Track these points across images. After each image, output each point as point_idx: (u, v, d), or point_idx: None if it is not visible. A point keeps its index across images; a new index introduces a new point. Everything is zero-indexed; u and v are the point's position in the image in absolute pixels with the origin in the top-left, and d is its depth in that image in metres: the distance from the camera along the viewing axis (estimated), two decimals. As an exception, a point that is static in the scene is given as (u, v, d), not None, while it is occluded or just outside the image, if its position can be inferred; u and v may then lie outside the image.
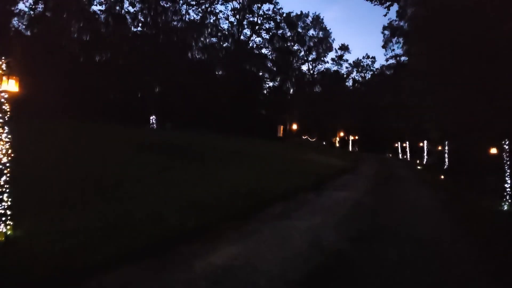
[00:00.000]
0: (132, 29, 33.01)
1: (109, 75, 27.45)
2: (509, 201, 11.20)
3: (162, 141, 16.02)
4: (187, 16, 36.72)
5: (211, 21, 38.43)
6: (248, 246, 4.90)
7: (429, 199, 11.81)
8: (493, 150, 13.24)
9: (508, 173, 11.74)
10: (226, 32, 39.88)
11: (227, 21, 41.91)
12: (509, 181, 11.68)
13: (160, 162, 10.70)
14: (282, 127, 35.68)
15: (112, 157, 10.20)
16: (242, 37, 41.17)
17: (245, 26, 41.16)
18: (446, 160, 22.99)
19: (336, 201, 9.06)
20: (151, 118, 28.36)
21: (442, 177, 19.35)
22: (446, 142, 23.02)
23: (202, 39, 37.48)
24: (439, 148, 26.12)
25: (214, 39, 39.08)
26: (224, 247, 4.70)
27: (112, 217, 5.06)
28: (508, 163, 11.89)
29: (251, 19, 40.94)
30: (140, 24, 33.17)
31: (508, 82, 10.97)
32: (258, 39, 42.45)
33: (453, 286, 4.21)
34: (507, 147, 12.00)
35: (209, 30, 38.05)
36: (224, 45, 40.29)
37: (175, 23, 35.08)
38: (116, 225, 4.74)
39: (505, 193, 11.51)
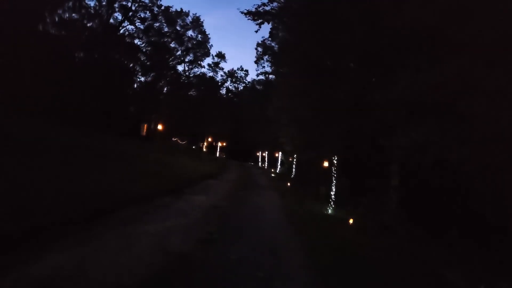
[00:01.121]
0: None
1: None
2: (333, 206, 14.01)
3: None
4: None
5: (73, -8, 32.89)
6: (85, 252, 4.34)
7: (274, 203, 13.38)
8: (325, 164, 16.35)
9: (334, 183, 14.73)
10: (92, 11, 34.89)
11: (94, -2, 36.72)
12: (334, 190, 14.67)
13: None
14: (146, 126, 33.58)
15: None
16: (112, 21, 36.90)
17: (116, 10, 37.09)
18: (294, 170, 26.85)
19: (193, 205, 9.10)
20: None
21: (289, 184, 22.42)
22: (295, 155, 26.93)
23: (60, 12, 31.50)
24: (290, 159, 30.30)
25: (76, 16, 33.47)
26: (53, 255, 4.04)
27: None
28: (334, 175, 14.92)
29: (124, 3, 37.22)
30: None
31: (341, 112, 13.76)
32: (131, 27, 38.98)
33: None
34: (335, 161, 15.06)
35: (71, 3, 32.40)
36: (88, 25, 35.08)
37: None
38: None
39: (331, 199, 14.35)
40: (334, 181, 14.50)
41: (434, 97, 6.98)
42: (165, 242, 5.43)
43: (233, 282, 4.37)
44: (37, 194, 5.99)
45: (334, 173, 14.69)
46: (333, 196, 14.20)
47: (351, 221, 9.91)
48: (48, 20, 32.15)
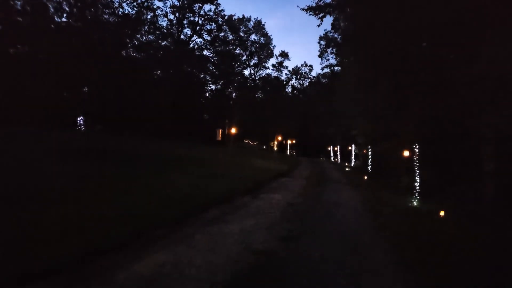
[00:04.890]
0: (56, 19, 29.45)
1: (27, 71, 24.30)
2: (418, 197, 12.92)
3: (89, 147, 14.86)
4: (121, 9, 34.48)
5: (148, 17, 36.79)
6: (178, 251, 4.91)
7: (353, 198, 12.90)
8: (406, 153, 15.14)
9: (417, 173, 13.56)
10: (165, 31, 38.44)
11: (166, 19, 40.35)
12: (418, 180, 13.50)
13: (89, 169, 9.93)
14: (221, 131, 35.63)
15: (31, 166, 9.17)
16: (182, 36, 40.08)
17: (186, 26, 40.11)
18: (370, 162, 25.44)
19: (270, 204, 9.41)
20: (78, 119, 26.55)
21: (366, 177, 21.33)
22: (369, 147, 25.50)
23: (138, 36, 35.55)
24: (365, 151, 28.77)
25: (151, 37, 37.35)
26: (151, 255, 4.63)
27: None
28: (417, 164, 13.74)
29: (191, 18, 40.00)
30: (65, 15, 29.86)
31: (418, 97, 12.65)
32: (199, 40, 41.73)
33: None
34: (416, 150, 13.87)
35: (146, 27, 36.31)
36: (163, 43, 38.76)
37: (106, 16, 32.64)
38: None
39: (415, 191, 13.25)
40: (418, 171, 13.35)
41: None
42: (248, 240, 5.77)
43: (318, 279, 4.43)
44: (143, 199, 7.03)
45: (416, 162, 13.54)
46: (417, 187, 13.11)
47: (441, 213, 9.05)
48: (129, 45, 36.37)
